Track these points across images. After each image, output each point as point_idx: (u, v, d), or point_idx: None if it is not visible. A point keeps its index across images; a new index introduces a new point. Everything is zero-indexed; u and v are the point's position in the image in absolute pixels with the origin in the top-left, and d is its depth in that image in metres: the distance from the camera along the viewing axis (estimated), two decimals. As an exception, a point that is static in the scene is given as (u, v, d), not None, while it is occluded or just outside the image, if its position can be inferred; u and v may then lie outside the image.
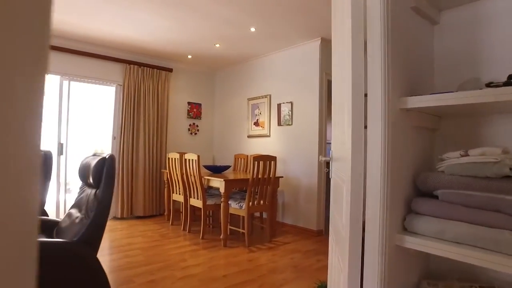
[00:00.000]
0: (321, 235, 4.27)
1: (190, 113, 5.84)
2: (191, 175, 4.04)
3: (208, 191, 4.53)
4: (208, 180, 3.90)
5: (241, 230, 3.87)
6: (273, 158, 3.87)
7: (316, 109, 4.32)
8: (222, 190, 3.65)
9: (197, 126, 5.95)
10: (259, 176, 3.71)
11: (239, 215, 3.97)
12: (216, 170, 4.42)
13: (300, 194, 4.49)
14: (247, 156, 5.08)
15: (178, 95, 5.73)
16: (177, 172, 4.32)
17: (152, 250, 3.47)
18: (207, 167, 4.44)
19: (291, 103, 4.67)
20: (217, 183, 3.75)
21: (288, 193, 4.67)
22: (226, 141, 5.93)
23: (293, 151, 4.62)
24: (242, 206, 3.68)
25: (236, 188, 4.18)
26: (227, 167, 4.50)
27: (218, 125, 6.17)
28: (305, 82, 4.50)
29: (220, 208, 3.72)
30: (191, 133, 5.88)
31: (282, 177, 4.26)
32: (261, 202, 3.81)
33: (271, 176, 3.84)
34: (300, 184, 4.50)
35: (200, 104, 5.98)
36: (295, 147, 4.60)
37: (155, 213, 5.23)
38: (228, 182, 3.64)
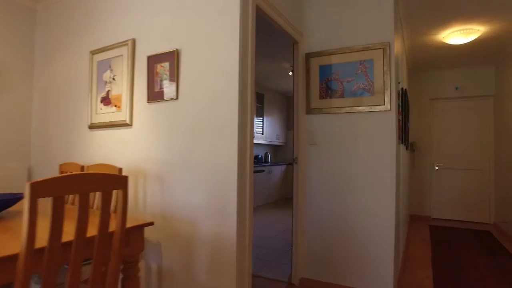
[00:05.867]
0: None
1: (-39, 78, 2.78)
2: None
3: None
4: None
5: None
6: (117, 180, 1.33)
7: (234, 66, 1.95)
8: None
9: (-20, 105, 2.92)
10: (86, 234, 1.13)
11: None
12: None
13: (199, 255, 2.05)
14: (83, 167, 2.40)
15: None
16: None
17: None
18: None
19: (176, 52, 2.19)
20: None
21: (172, 250, 2.17)
22: (53, 137, 3.06)
23: (182, 158, 2.15)
24: None
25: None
26: (16, 199, 1.75)
27: (39, 106, 3.24)
28: (207, 9, 2.09)
29: None
30: (-38, 120, 2.81)
31: (152, 223, 1.74)
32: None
33: (120, 229, 1.30)
34: (198, 232, 2.06)
35: (-11, 61, 2.96)
36: (186, 149, 2.14)
37: None
38: None
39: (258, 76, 6.49)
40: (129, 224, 1.57)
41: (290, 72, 5.98)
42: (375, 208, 2.52)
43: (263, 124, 7.24)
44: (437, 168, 5.74)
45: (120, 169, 2.08)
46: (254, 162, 7.18)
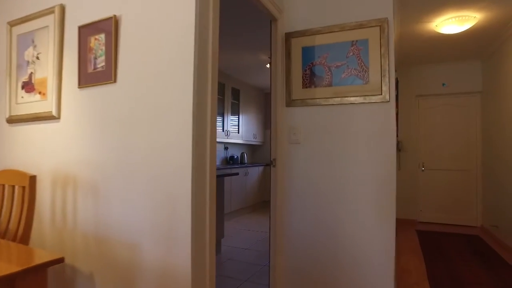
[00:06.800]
0: None
1: None
2: None
3: None
4: None
5: None
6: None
7: (189, 36, 1.43)
8: None
9: None
10: None
11: None
12: None
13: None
14: (-9, 174, 1.80)
15: None
16: None
17: None
18: None
19: (114, 20, 1.64)
20: None
21: (109, 284, 1.61)
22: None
23: (121, 160, 1.60)
24: None
25: None
26: None
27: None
28: (155, -39, 1.55)
29: None
30: None
31: (62, 260, 1.18)
32: None
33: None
34: (142, 260, 1.51)
35: None
36: (125, 149, 1.59)
37: None
38: None
39: (233, 70, 5.97)
40: (23, 264, 1.02)
41: (268, 64, 5.49)
42: (371, 217, 2.06)
43: (239, 122, 6.72)
44: (423, 169, 5.42)
45: (32, 177, 1.51)
46: (229, 163, 6.65)
